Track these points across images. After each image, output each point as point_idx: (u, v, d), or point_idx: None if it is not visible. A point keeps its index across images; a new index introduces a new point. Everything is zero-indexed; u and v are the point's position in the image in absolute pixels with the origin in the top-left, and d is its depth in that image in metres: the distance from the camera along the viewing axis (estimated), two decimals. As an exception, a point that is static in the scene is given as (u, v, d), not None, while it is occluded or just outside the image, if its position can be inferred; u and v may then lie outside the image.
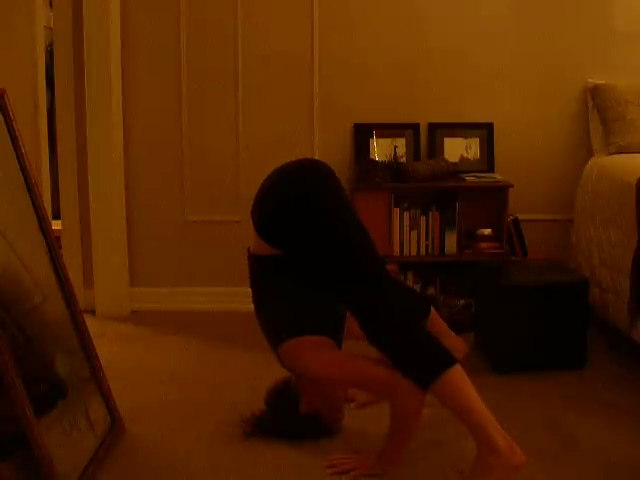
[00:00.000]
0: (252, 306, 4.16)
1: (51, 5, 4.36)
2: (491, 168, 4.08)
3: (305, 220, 2.37)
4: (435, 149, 4.09)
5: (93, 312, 4.05)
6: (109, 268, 4.07)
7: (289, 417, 2.53)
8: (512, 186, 3.84)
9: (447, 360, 2.24)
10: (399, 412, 2.29)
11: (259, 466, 2.39)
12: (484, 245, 3.91)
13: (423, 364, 2.25)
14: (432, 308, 2.76)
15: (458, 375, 2.23)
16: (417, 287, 3.96)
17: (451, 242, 3.92)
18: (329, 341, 2.45)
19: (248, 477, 2.33)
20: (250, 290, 2.66)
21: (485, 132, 4.09)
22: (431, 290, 3.99)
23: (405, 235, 3.89)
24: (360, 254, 2.40)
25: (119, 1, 3.97)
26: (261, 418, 2.58)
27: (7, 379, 2.00)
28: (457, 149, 4.10)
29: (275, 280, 2.51)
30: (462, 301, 3.83)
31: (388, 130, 4.06)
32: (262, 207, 2.46)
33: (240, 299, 4.15)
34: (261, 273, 2.55)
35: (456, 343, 2.74)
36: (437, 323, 2.78)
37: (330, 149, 4.09)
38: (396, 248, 3.88)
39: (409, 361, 2.27)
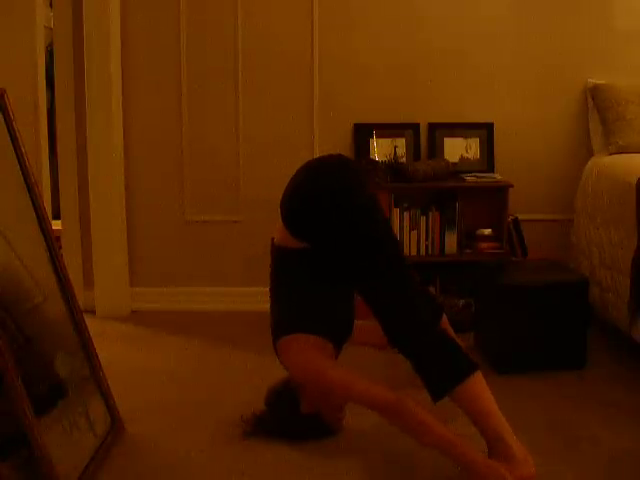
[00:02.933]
0: (252, 306, 4.19)
1: (51, 5, 4.36)
2: (491, 168, 4.08)
3: (334, 215, 2.36)
4: (435, 149, 4.09)
5: (93, 312, 4.05)
6: (109, 268, 4.07)
7: (289, 417, 2.53)
8: (512, 186, 3.85)
9: (469, 366, 2.26)
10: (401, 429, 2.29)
11: (259, 466, 2.39)
12: (484, 245, 3.92)
13: (446, 369, 2.26)
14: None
15: (478, 380, 2.24)
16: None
17: (451, 242, 3.93)
18: (325, 343, 2.45)
19: (248, 477, 2.33)
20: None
21: (485, 132, 4.09)
22: (431, 290, 3.99)
23: (405, 235, 3.89)
24: (386, 251, 2.39)
25: (119, 1, 3.97)
26: (261, 418, 2.58)
27: (7, 379, 2.00)
28: (457, 149, 4.10)
29: (294, 274, 2.51)
30: (462, 301, 3.83)
31: (388, 130, 4.06)
32: (292, 201, 2.45)
33: (240, 299, 4.17)
34: (282, 265, 2.54)
35: None
36: (446, 329, 2.78)
37: (330, 149, 4.07)
38: (396, 248, 3.87)
39: (432, 365, 2.27)
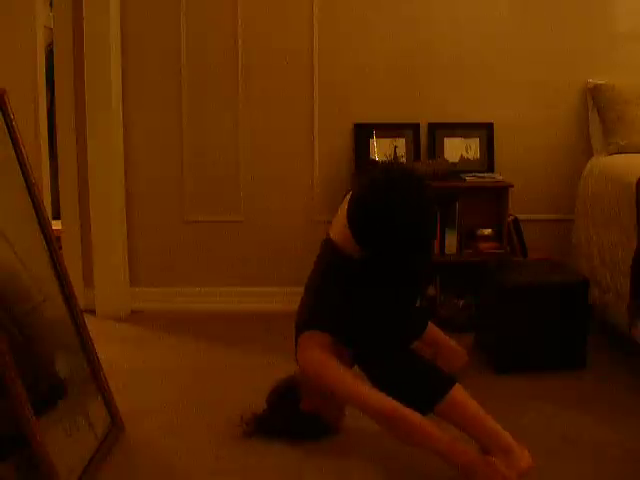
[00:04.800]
0: (252, 306, 4.19)
1: (51, 5, 4.36)
2: (491, 168, 4.08)
3: (401, 237, 2.31)
4: (435, 149, 4.09)
5: (93, 312, 4.04)
6: (109, 268, 4.07)
7: (290, 416, 2.53)
8: (512, 186, 3.84)
9: (445, 384, 2.27)
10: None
11: (259, 466, 2.39)
12: (484, 245, 3.91)
13: (421, 393, 2.27)
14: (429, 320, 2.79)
15: (457, 393, 2.25)
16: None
17: (451, 242, 3.92)
18: (342, 349, 2.47)
19: (249, 477, 2.33)
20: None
21: (485, 132, 4.09)
22: (431, 290, 3.99)
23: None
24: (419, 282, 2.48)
25: (119, 1, 3.97)
26: (262, 418, 2.58)
27: (7, 379, 2.00)
28: (457, 149, 4.10)
29: (337, 273, 2.46)
30: (462, 301, 3.83)
31: (388, 130, 4.06)
32: (367, 206, 2.33)
33: (240, 299, 4.17)
34: (329, 261, 2.48)
35: (456, 352, 2.74)
36: (435, 333, 2.78)
37: (330, 149, 4.09)
38: (396, 248, 3.87)
39: (407, 392, 2.28)
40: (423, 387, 2.28)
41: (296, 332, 2.51)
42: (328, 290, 2.50)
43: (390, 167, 2.50)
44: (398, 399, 2.26)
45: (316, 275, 2.54)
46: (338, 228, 2.42)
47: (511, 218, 3.92)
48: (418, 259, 2.41)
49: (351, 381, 2.35)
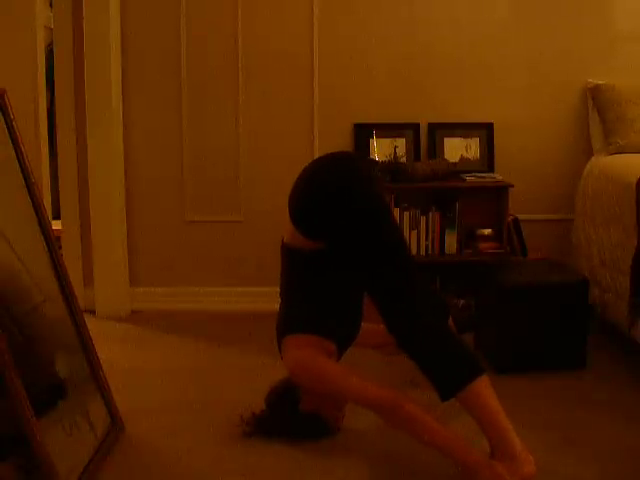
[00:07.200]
0: (252, 306, 4.19)
1: (51, 5, 4.36)
2: (491, 168, 4.08)
3: (342, 215, 2.35)
4: (435, 149, 4.09)
5: (93, 312, 4.04)
6: (109, 268, 4.07)
7: (289, 417, 2.53)
8: (512, 186, 3.85)
9: (478, 367, 2.26)
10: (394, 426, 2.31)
11: (260, 466, 2.39)
12: (484, 245, 3.92)
13: (452, 371, 2.26)
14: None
15: (484, 384, 2.25)
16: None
17: (451, 242, 3.93)
18: (328, 344, 2.47)
19: (248, 477, 2.33)
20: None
21: (485, 132, 4.09)
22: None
23: (405, 235, 3.89)
24: (394, 253, 2.40)
25: (119, 1, 3.97)
26: (261, 418, 2.58)
27: (7, 379, 2.00)
28: (457, 149, 4.10)
29: (302, 274, 2.51)
30: (462, 301, 3.83)
31: (388, 130, 4.06)
32: (299, 198, 2.44)
33: (240, 299, 4.17)
34: (291, 264, 2.54)
35: None
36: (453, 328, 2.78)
37: (330, 149, 4.05)
38: (396, 248, 3.87)
39: (438, 366, 2.28)
40: (450, 370, 2.27)
41: (278, 338, 2.52)
42: (297, 291, 2.53)
43: (323, 156, 2.56)
44: (426, 375, 2.28)
45: (282, 280, 2.58)
46: (287, 230, 2.49)
47: (511, 218, 3.93)
48: (366, 229, 2.37)
49: (343, 373, 2.36)
